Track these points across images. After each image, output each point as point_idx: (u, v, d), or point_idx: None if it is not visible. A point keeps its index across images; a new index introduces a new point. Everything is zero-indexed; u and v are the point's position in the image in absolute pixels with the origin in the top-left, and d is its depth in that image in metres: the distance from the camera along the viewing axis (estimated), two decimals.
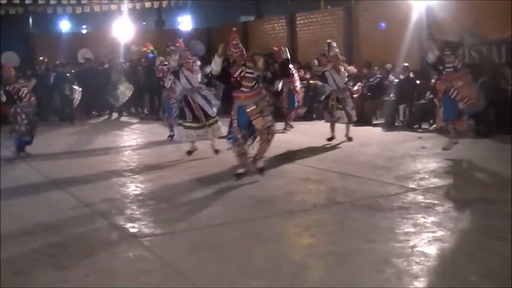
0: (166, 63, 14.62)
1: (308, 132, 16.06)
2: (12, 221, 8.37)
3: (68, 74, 21.67)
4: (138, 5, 24.83)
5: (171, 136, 15.44)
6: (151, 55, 16.80)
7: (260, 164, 10.43)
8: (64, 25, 37.16)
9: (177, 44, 13.20)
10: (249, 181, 10.25)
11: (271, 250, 6.68)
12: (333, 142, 13.93)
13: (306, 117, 19.07)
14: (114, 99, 22.18)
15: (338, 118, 14.07)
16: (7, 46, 24.49)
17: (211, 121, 12.46)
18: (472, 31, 16.86)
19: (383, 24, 20.74)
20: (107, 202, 9.28)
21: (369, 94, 18.25)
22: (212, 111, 12.50)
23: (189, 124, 12.43)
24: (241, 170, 10.40)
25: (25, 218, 8.49)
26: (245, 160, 10.42)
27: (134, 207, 8.86)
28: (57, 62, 22.93)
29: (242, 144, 10.18)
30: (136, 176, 11.29)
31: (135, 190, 10.08)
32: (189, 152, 12.99)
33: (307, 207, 8.48)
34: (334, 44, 14.85)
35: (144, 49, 15.49)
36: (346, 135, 14.25)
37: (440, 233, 6.99)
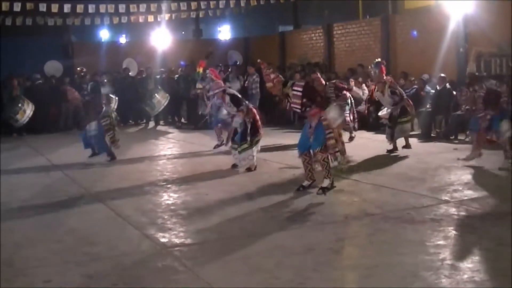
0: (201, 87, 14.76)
1: (344, 143, 16.03)
2: (43, 229, 8.47)
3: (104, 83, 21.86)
4: (174, 16, 24.93)
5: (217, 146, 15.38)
6: (183, 63, 16.84)
7: (324, 183, 9.98)
8: (104, 34, 37.49)
9: (210, 72, 13.19)
10: (282, 193, 10.25)
11: (300, 262, 6.64)
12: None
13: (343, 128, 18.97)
14: (150, 108, 22.31)
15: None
16: (48, 55, 24.88)
17: (242, 146, 12.18)
18: (510, 41, 16.71)
19: (415, 32, 20.65)
20: (139, 211, 9.32)
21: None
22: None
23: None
24: (305, 183, 10.36)
25: (57, 226, 8.58)
26: (309, 172, 10.34)
27: (166, 217, 8.88)
28: (97, 71, 23.20)
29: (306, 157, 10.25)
30: (169, 185, 11.32)
31: (167, 199, 10.11)
32: (234, 165, 12.73)
33: (338, 219, 8.45)
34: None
35: (199, 68, 15.45)
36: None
37: (471, 246, 6.92)
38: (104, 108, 14.16)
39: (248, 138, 12.10)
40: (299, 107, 10.10)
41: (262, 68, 10.85)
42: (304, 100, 9.97)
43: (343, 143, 10.70)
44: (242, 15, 31.70)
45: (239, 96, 12.73)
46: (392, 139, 14.27)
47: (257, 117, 12.43)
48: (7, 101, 20.38)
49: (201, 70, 15.27)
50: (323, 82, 14.26)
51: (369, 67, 15.03)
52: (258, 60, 12.01)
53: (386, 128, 14.57)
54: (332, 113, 9.91)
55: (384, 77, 14.26)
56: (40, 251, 7.40)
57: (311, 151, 10.06)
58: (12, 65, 22.51)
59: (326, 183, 9.85)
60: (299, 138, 10.45)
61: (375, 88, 14.57)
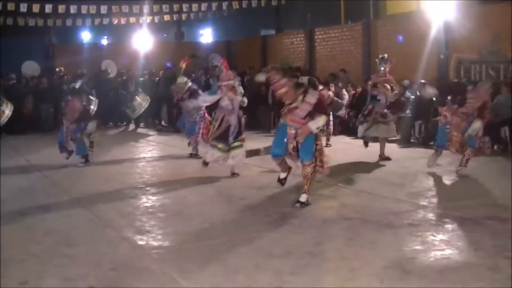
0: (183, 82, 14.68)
1: (324, 148, 16.06)
2: (22, 231, 8.43)
3: (84, 85, 21.80)
4: (157, 18, 24.91)
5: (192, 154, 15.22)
6: (169, 64, 16.75)
7: (302, 198, 9.64)
8: (85, 36, 37.37)
9: (221, 61, 13.06)
10: (262, 196, 10.26)
11: (279, 265, 6.65)
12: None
13: (323, 133, 18.99)
14: (131, 110, 22.23)
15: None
16: (28, 56, 24.78)
17: (235, 144, 12.15)
18: (490, 48, 16.82)
19: (400, 37, 20.74)
20: (118, 213, 9.30)
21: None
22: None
23: (215, 144, 12.28)
24: (282, 174, 10.33)
25: (36, 228, 8.54)
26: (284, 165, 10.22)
27: (144, 219, 8.87)
28: (79, 72, 23.11)
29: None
30: (148, 188, 11.29)
31: (146, 202, 10.09)
32: (206, 163, 12.73)
33: (317, 223, 8.46)
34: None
35: (183, 64, 15.30)
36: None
37: (448, 251, 6.97)
38: (83, 110, 14.08)
39: (241, 137, 12.17)
40: (302, 116, 9.57)
41: (270, 75, 10.24)
42: (312, 111, 9.53)
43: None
44: (224, 18, 31.72)
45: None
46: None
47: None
48: None
49: (184, 66, 15.16)
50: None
51: (376, 60, 14.86)
52: (269, 66, 11.63)
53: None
54: (321, 122, 9.74)
55: (389, 76, 14.36)
56: (18, 252, 7.35)
57: (300, 162, 9.65)
58: None
59: (303, 198, 9.55)
60: (273, 140, 10.15)
61: (373, 84, 14.50)
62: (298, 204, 9.46)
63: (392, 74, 14.43)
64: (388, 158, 13.96)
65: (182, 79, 14.86)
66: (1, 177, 12.63)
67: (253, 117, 21.85)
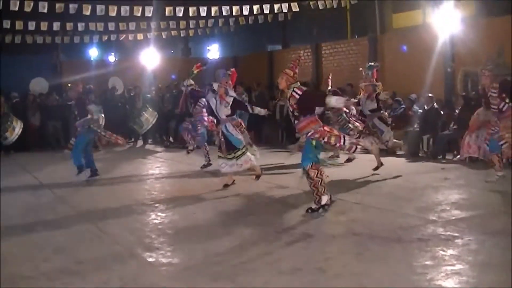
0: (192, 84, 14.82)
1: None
2: (30, 248, 8.44)
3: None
4: (164, 34, 24.99)
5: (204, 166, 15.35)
6: (174, 77, 16.77)
7: (323, 200, 9.80)
8: (93, 53, 37.51)
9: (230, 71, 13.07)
10: (270, 212, 10.26)
11: (287, 282, 6.64)
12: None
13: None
14: (138, 126, 22.23)
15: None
16: (37, 73, 24.88)
17: (237, 153, 12.27)
18: (496, 61, 16.82)
19: (405, 47, 20.76)
20: (126, 230, 9.29)
21: (393, 124, 18.18)
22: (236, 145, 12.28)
23: (220, 154, 12.46)
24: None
25: (44, 245, 8.55)
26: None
27: (153, 236, 8.86)
28: (87, 87, 23.15)
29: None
30: (157, 205, 11.29)
31: (155, 219, 10.08)
32: (226, 185, 12.76)
33: (325, 238, 8.44)
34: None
35: (196, 69, 15.31)
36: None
37: (458, 266, 6.93)
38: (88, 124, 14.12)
39: (242, 146, 12.23)
40: (292, 113, 9.84)
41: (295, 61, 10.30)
42: (298, 106, 9.65)
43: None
44: (231, 34, 31.79)
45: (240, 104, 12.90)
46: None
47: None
48: None
49: (196, 71, 15.21)
50: None
51: (363, 69, 14.76)
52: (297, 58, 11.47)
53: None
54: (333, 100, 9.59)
55: (375, 81, 14.22)
56: (26, 269, 7.36)
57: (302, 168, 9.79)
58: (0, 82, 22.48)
59: (324, 199, 9.70)
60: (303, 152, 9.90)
61: (361, 90, 14.46)
62: (321, 210, 9.60)
63: (379, 80, 14.37)
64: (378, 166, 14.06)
65: (189, 81, 14.99)
66: (10, 194, 12.69)
67: (260, 133, 21.88)
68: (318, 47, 25.68)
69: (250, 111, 12.78)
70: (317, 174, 9.59)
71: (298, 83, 9.92)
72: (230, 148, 12.25)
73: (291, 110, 9.83)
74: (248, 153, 12.36)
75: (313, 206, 9.78)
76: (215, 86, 12.68)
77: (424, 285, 6.34)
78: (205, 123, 14.97)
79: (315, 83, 24.65)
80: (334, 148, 11.39)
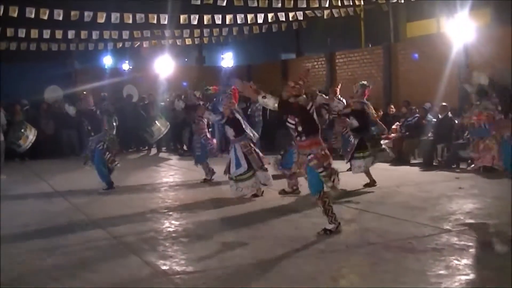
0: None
1: (346, 172, 16.01)
2: (44, 255, 8.46)
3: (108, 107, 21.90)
4: (179, 41, 25.06)
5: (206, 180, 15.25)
6: (185, 84, 16.77)
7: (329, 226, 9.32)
8: (107, 61, 37.60)
9: (233, 90, 12.73)
10: (284, 221, 10.25)
11: None
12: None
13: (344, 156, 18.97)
14: (149, 135, 22.28)
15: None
16: (51, 80, 24.96)
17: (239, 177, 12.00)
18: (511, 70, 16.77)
19: (416, 55, 20.73)
20: (140, 238, 9.32)
21: (407, 133, 18.18)
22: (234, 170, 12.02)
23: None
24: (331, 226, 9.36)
25: (57, 252, 8.58)
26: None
27: (167, 244, 8.87)
28: (102, 95, 23.24)
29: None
30: (170, 213, 11.31)
31: (169, 227, 10.10)
32: (255, 196, 12.59)
33: (339, 248, 8.42)
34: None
35: (212, 88, 15.34)
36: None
37: (472, 276, 6.91)
38: (101, 133, 14.14)
39: (253, 167, 12.05)
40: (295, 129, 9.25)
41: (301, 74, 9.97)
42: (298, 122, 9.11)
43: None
44: (245, 42, 31.86)
45: (242, 124, 12.47)
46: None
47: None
48: (10, 127, 20.38)
49: (212, 91, 15.26)
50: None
51: (354, 86, 14.48)
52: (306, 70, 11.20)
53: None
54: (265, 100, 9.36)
55: (365, 100, 13.89)
56: (40, 277, 7.39)
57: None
58: (15, 90, 22.59)
59: (330, 227, 9.23)
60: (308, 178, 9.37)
61: (350, 105, 14.13)
62: (322, 232, 9.21)
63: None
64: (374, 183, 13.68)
65: (197, 93, 15.04)
66: (24, 202, 12.77)
67: (273, 142, 21.85)
68: (332, 56, 25.68)
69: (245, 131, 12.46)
70: (325, 204, 9.21)
71: (304, 97, 9.33)
72: (248, 168, 12.02)
73: (293, 123, 9.24)
74: (252, 179, 12.04)
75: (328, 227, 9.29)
76: (221, 108, 12.66)
77: None
78: (210, 142, 14.97)
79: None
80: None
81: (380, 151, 13.93)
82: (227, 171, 12.24)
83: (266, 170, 12.27)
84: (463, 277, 6.87)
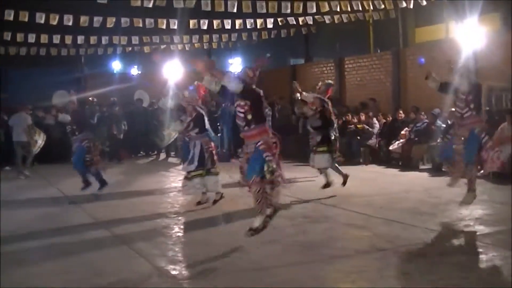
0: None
1: (355, 177, 15.98)
2: (53, 260, 8.49)
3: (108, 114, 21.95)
4: (187, 46, 25.11)
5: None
6: (191, 87, 16.62)
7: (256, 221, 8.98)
8: (116, 66, 37.70)
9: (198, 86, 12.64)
10: (293, 226, 10.25)
11: None
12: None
13: (353, 162, 19.01)
14: (160, 139, 22.31)
15: None
16: (60, 85, 25.02)
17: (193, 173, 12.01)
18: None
19: (422, 60, 20.68)
20: (150, 243, 9.33)
21: (416, 139, 18.16)
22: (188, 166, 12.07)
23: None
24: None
25: (67, 257, 8.60)
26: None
27: (177, 249, 8.90)
28: (111, 100, 23.31)
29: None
30: (180, 218, 11.33)
31: (178, 232, 10.13)
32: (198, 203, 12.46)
33: (348, 253, 8.42)
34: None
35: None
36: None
37: (483, 281, 6.89)
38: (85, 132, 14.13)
39: (206, 166, 11.98)
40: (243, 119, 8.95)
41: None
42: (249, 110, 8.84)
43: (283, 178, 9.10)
44: (253, 47, 31.90)
45: (205, 121, 12.31)
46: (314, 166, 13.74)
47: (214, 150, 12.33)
48: None
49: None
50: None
51: (318, 84, 14.40)
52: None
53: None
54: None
55: (326, 99, 13.70)
56: (50, 281, 7.41)
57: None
58: (24, 95, 22.65)
59: (257, 222, 8.86)
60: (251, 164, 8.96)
61: (311, 103, 13.66)
62: (249, 233, 8.81)
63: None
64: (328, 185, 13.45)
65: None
66: (32, 206, 12.82)
67: (283, 147, 21.86)
68: (341, 61, 25.63)
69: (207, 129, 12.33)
70: (258, 192, 8.81)
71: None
72: (198, 165, 11.98)
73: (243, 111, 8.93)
74: (198, 179, 11.97)
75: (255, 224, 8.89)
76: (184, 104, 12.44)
77: None
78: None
79: (338, 98, 24.63)
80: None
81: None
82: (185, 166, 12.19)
83: (217, 174, 12.19)
84: (474, 283, 6.85)
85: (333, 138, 13.50)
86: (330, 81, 14.28)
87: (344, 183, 13.50)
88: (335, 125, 13.86)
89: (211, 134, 12.38)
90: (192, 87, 12.52)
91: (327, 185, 13.43)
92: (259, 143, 8.81)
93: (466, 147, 10.49)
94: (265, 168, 8.68)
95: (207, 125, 12.35)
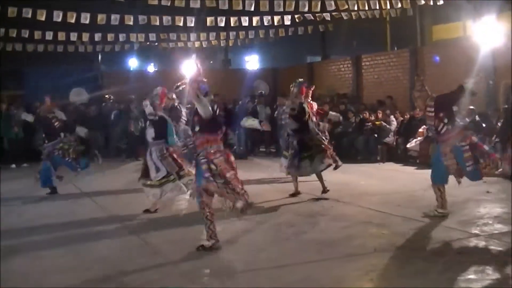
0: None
1: (373, 175, 15.94)
2: (73, 257, 8.53)
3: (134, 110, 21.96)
4: (205, 44, 25.10)
5: None
6: (203, 87, 16.67)
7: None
8: (132, 63, 37.80)
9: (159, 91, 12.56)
10: (311, 224, 10.23)
11: None
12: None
13: (371, 160, 18.98)
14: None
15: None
16: (77, 83, 25.15)
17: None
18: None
19: (437, 58, 20.60)
20: (167, 240, 9.37)
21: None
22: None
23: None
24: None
25: (86, 254, 8.64)
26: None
27: (194, 246, 8.88)
28: (129, 97, 23.34)
29: None
30: (197, 215, 11.30)
31: (197, 230, 10.09)
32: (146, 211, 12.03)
33: (367, 251, 8.40)
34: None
35: None
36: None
37: (502, 281, 6.86)
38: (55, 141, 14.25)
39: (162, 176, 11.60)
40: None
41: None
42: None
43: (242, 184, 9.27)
44: (270, 45, 31.88)
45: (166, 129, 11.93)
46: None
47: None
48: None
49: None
50: None
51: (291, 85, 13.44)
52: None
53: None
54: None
55: (303, 98, 13.17)
56: (69, 278, 7.46)
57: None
58: (40, 92, 22.73)
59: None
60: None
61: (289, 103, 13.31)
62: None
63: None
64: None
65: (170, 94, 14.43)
66: (51, 203, 12.87)
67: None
68: (358, 59, 25.56)
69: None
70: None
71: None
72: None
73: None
74: (176, 181, 11.61)
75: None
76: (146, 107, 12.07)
77: None
78: None
79: (355, 95, 24.61)
80: None
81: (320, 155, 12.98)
82: (143, 177, 11.77)
83: (183, 177, 11.67)
84: (493, 282, 6.82)
85: (314, 142, 12.95)
86: (300, 80, 13.56)
87: (323, 192, 12.88)
88: (321, 127, 13.68)
89: (172, 142, 11.95)
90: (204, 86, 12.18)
91: (294, 194, 13.09)
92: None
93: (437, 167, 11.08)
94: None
95: (171, 132, 11.97)
